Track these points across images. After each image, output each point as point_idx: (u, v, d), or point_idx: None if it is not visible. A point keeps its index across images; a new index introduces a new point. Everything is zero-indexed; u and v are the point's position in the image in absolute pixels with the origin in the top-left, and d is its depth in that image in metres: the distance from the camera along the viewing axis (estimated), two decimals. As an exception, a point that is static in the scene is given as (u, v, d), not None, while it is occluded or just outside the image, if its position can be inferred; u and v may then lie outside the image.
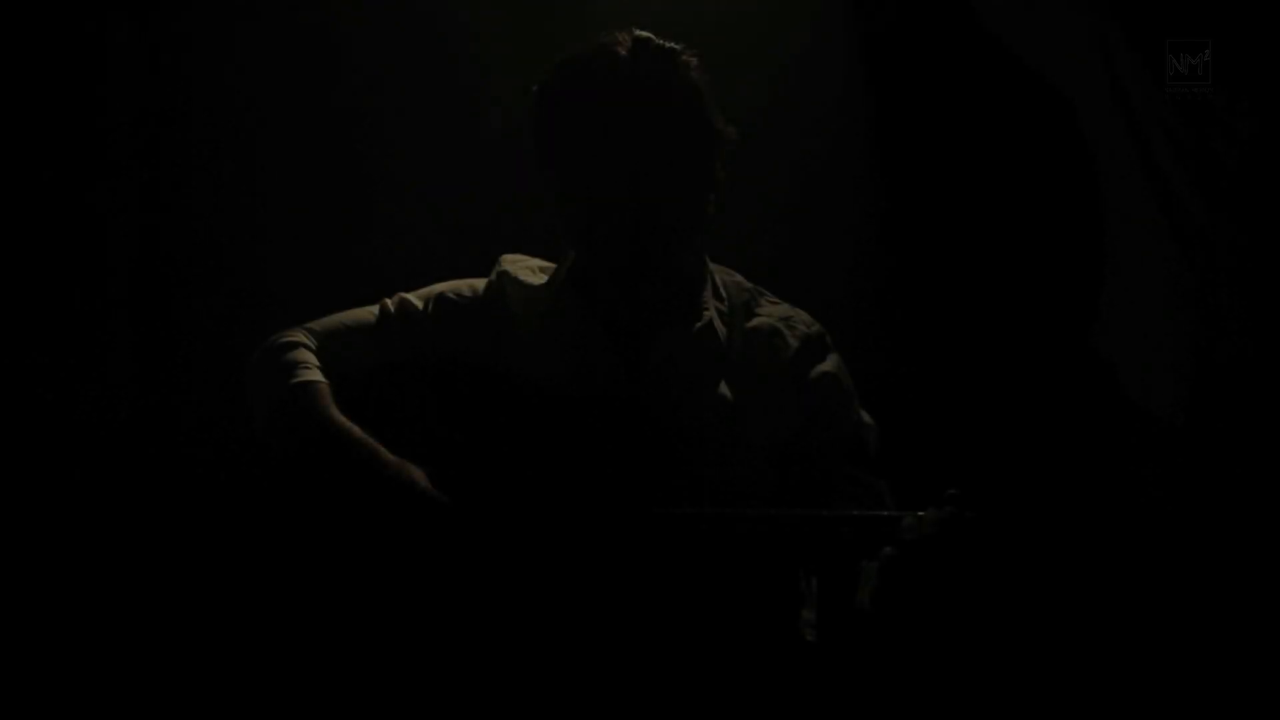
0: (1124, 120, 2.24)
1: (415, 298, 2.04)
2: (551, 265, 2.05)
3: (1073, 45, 2.27)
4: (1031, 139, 2.65)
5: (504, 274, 2.03)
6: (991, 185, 2.69)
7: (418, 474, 1.81)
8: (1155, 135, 2.21)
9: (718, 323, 1.95)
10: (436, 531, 1.78)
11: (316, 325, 2.02)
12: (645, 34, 1.91)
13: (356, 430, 1.86)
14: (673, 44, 1.91)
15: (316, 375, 1.93)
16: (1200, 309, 2.19)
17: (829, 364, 1.96)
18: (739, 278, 2.05)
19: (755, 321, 1.98)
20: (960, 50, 2.62)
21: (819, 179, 2.72)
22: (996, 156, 2.68)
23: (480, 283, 2.04)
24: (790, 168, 2.70)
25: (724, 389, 1.91)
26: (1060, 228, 2.64)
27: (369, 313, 2.04)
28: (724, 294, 2.01)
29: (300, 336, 1.99)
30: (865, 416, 1.97)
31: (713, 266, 2.04)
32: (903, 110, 2.70)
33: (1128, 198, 2.27)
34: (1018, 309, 2.67)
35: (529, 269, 2.04)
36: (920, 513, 1.59)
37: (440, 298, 2.03)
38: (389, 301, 2.04)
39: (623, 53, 1.88)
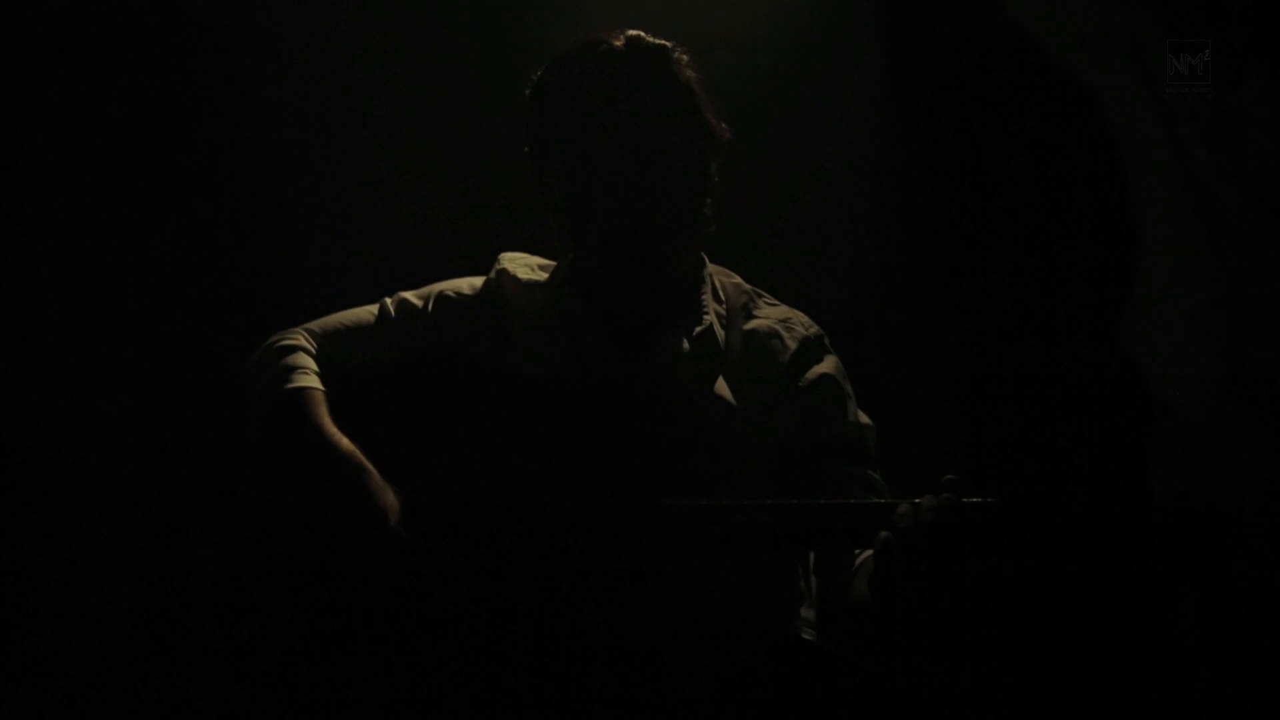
0: (1155, 113, 2.22)
1: (414, 296, 2.04)
2: (551, 264, 2.05)
3: (1103, 38, 2.25)
4: (1056, 135, 2.64)
5: (503, 272, 2.03)
6: (1018, 181, 2.68)
7: (394, 503, 1.79)
8: (1187, 128, 2.20)
9: (716, 325, 1.95)
10: (395, 564, 1.77)
11: (315, 325, 2.01)
12: (637, 31, 1.91)
13: (346, 442, 1.84)
14: (664, 41, 1.92)
15: (313, 381, 1.92)
16: (1231, 304, 2.18)
17: (827, 365, 1.96)
18: (738, 279, 2.05)
19: (753, 323, 1.98)
20: (977, 45, 2.62)
21: (832, 176, 2.72)
22: (1020, 152, 2.66)
23: (479, 281, 2.04)
24: (797, 166, 2.70)
25: (722, 391, 1.91)
26: (1086, 224, 2.63)
27: (368, 312, 2.04)
28: (722, 296, 2.01)
29: (299, 338, 1.98)
30: (863, 417, 1.97)
31: (711, 267, 2.04)
32: (919, 107, 2.69)
33: (1158, 192, 2.25)
34: (1025, 305, 2.67)
35: (528, 267, 2.04)
36: (917, 500, 1.59)
37: (440, 296, 2.03)
38: (388, 301, 2.04)
39: (614, 50, 1.89)
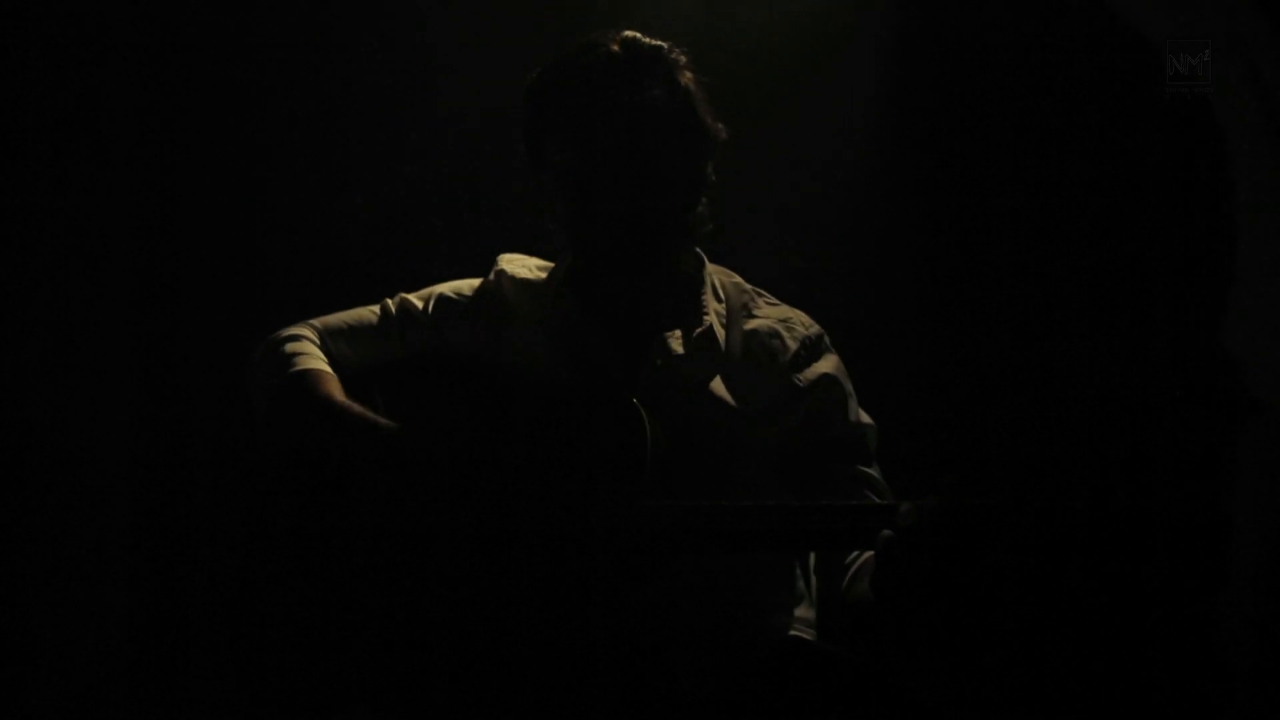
0: (1259, 105, 2.20)
1: (415, 298, 2.04)
2: (550, 265, 2.05)
3: (1208, 33, 2.24)
4: (1056, 135, 2.63)
5: (502, 273, 2.03)
6: (1017, 182, 2.67)
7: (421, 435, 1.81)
8: None
9: (717, 325, 1.95)
10: (447, 494, 1.78)
11: (317, 322, 2.02)
12: (634, 33, 1.91)
13: (357, 407, 1.86)
14: (660, 42, 1.92)
15: (319, 364, 1.93)
16: None
17: (827, 365, 1.96)
18: (738, 279, 2.05)
19: (754, 323, 1.98)
20: (981, 45, 2.62)
21: (833, 176, 2.71)
22: (1019, 152, 2.66)
23: (479, 282, 2.05)
24: (798, 166, 2.70)
25: (722, 391, 1.91)
26: (1086, 224, 2.63)
27: (370, 312, 2.04)
28: (722, 295, 2.01)
29: (303, 330, 1.99)
30: (864, 417, 1.97)
31: (711, 267, 2.04)
32: (921, 107, 2.68)
33: (1260, 187, 2.24)
34: (1026, 306, 2.66)
35: (527, 268, 2.04)
36: (918, 500, 1.59)
37: (440, 297, 2.03)
38: (390, 301, 2.04)
39: (611, 51, 1.89)
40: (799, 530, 1.68)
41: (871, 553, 1.74)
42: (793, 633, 1.91)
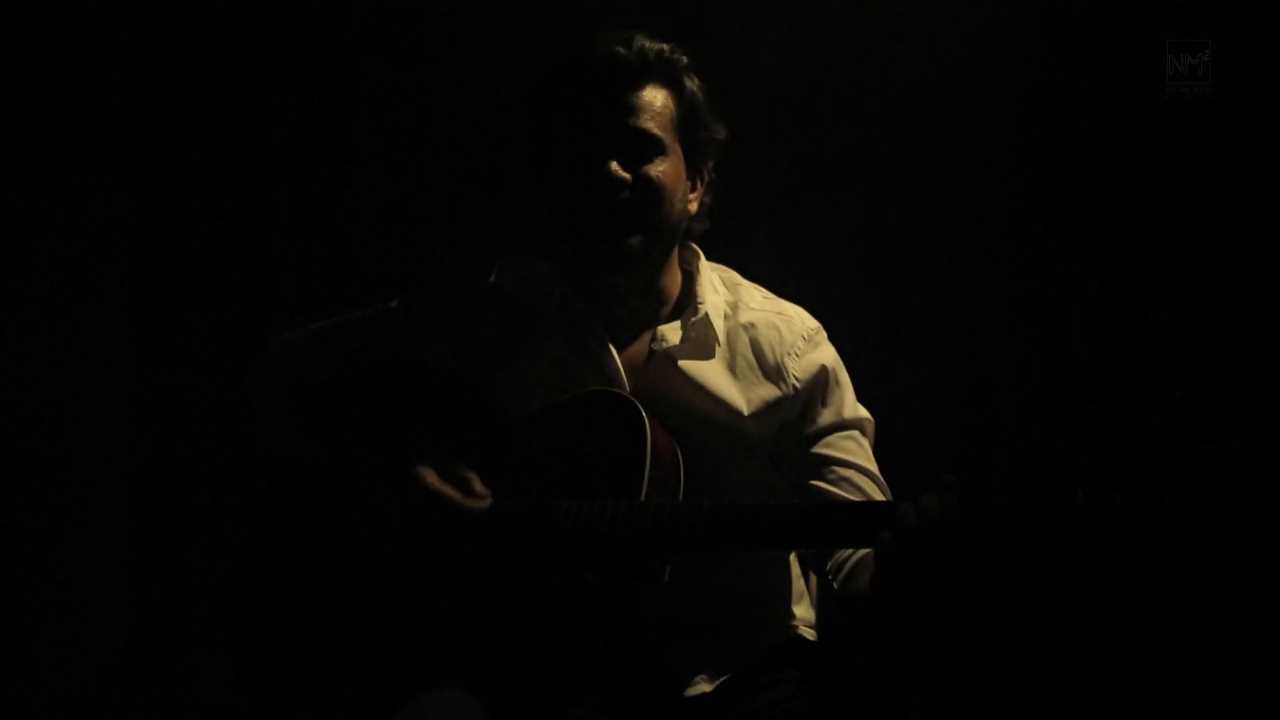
0: None
1: (417, 299, 2.04)
2: (550, 264, 2.05)
3: None
4: (1050, 136, 2.63)
5: (503, 272, 2.03)
6: (1015, 182, 2.67)
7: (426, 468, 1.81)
8: None
9: (714, 320, 1.95)
10: (444, 527, 1.78)
11: (319, 328, 2.02)
12: (636, 33, 1.92)
13: (354, 415, 1.86)
14: (663, 44, 1.92)
15: (317, 373, 1.93)
16: None
17: (824, 357, 1.97)
18: (735, 274, 2.06)
19: (751, 316, 1.98)
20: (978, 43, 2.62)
21: (834, 175, 2.71)
22: (1018, 152, 2.66)
23: (480, 282, 2.05)
24: (800, 165, 2.70)
25: (720, 384, 1.91)
26: (1084, 223, 2.62)
27: (373, 315, 2.04)
28: (720, 290, 2.01)
29: (303, 337, 2.00)
30: (861, 410, 1.97)
31: (709, 263, 2.04)
32: (921, 104, 2.68)
33: None
34: (1025, 305, 2.66)
35: (528, 267, 2.04)
36: (919, 499, 1.59)
37: (442, 298, 2.03)
38: (392, 304, 2.04)
39: (615, 52, 1.89)
40: (799, 529, 1.68)
41: (867, 549, 1.75)
42: (793, 631, 1.92)
